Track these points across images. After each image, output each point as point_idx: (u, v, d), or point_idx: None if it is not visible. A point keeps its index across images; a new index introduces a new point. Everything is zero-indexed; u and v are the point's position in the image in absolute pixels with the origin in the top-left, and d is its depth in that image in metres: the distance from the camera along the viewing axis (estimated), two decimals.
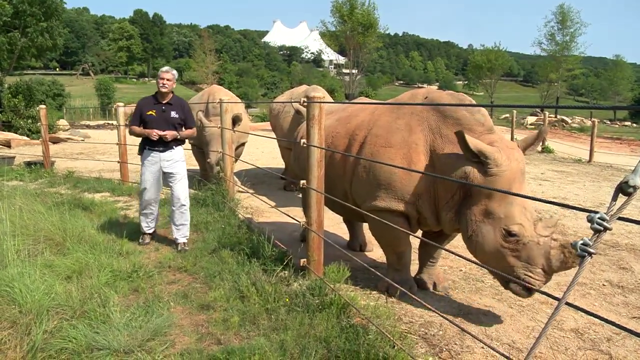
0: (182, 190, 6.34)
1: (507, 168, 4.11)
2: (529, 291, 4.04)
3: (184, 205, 6.36)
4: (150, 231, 6.59)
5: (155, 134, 6.06)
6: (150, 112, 6.18)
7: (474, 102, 4.74)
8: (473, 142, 4.11)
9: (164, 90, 6.18)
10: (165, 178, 6.33)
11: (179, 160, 6.37)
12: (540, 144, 4.46)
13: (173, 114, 6.24)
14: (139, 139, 6.36)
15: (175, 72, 6.37)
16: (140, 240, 6.43)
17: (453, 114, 4.54)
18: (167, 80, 6.18)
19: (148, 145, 6.24)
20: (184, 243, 6.33)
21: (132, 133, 6.34)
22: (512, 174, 4.12)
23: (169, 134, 6.14)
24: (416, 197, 4.61)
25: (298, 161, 5.97)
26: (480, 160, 4.14)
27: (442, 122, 4.58)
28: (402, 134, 4.73)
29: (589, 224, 1.83)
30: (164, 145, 6.22)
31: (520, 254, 4.02)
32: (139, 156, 6.41)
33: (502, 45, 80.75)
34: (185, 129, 6.41)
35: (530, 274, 3.96)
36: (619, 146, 26.52)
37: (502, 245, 4.05)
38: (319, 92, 4.94)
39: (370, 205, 4.82)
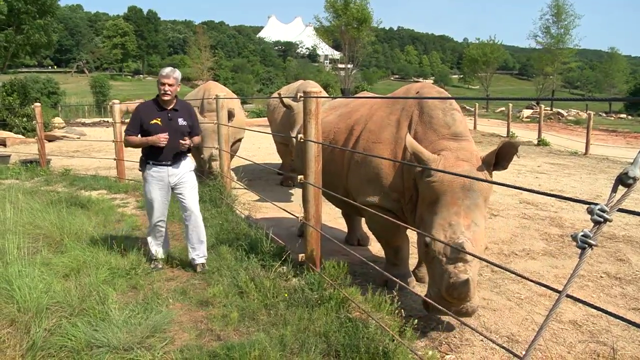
0: (193, 200, 5.44)
1: (437, 180, 3.96)
2: (425, 307, 3.99)
3: (197, 216, 5.44)
4: (163, 256, 5.60)
5: (163, 138, 5.08)
6: (154, 121, 5.18)
7: (455, 104, 4.63)
8: (411, 144, 4.06)
9: (166, 98, 5.19)
10: (173, 190, 5.43)
11: (188, 171, 5.46)
12: (510, 159, 4.12)
13: (181, 121, 5.29)
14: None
15: (178, 73, 5.32)
16: (153, 266, 5.43)
17: (430, 111, 4.50)
18: (169, 86, 5.16)
19: (153, 160, 5.27)
20: (202, 264, 5.46)
21: (130, 144, 5.31)
22: (441, 186, 3.93)
23: (188, 141, 5.27)
24: (399, 194, 4.61)
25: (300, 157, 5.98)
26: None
27: (419, 119, 4.56)
28: (391, 130, 4.74)
29: (589, 216, 1.83)
30: (173, 159, 5.29)
31: (430, 267, 3.99)
32: (140, 170, 5.47)
33: (498, 38, 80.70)
34: (192, 136, 5.45)
35: (431, 290, 3.87)
36: (614, 138, 26.56)
37: (424, 252, 4.04)
38: (315, 88, 4.93)
39: (362, 200, 4.84)
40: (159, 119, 5.21)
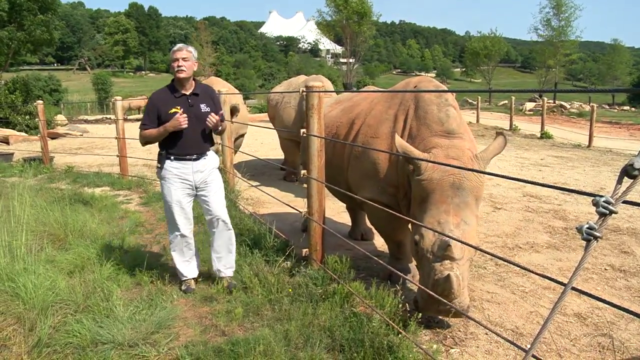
0: (219, 203, 4.70)
1: (427, 178, 3.95)
2: (414, 305, 3.95)
3: (226, 222, 4.73)
4: (195, 275, 4.86)
5: (183, 119, 4.33)
6: (174, 110, 4.41)
7: (451, 99, 4.55)
8: (400, 143, 4.03)
9: (181, 75, 4.41)
10: (197, 191, 4.68)
11: (214, 169, 4.73)
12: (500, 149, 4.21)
13: (203, 107, 4.55)
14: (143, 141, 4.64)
15: (192, 48, 4.55)
16: (184, 288, 4.70)
17: (425, 106, 4.44)
18: (184, 60, 4.40)
19: (174, 154, 4.51)
20: (230, 277, 4.80)
21: (147, 140, 4.56)
22: (430, 184, 3.93)
23: (215, 118, 4.46)
24: (395, 190, 4.60)
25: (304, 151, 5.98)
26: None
27: (415, 114, 4.52)
28: (389, 125, 4.71)
29: (594, 208, 1.82)
30: (198, 150, 4.56)
31: (419, 265, 3.99)
32: (157, 168, 4.67)
33: (499, 31, 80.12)
34: None
35: (422, 288, 3.81)
36: (618, 130, 26.48)
37: (414, 251, 4.04)
38: (318, 82, 4.92)
39: (360, 194, 4.83)
40: (179, 107, 4.44)
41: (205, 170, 4.61)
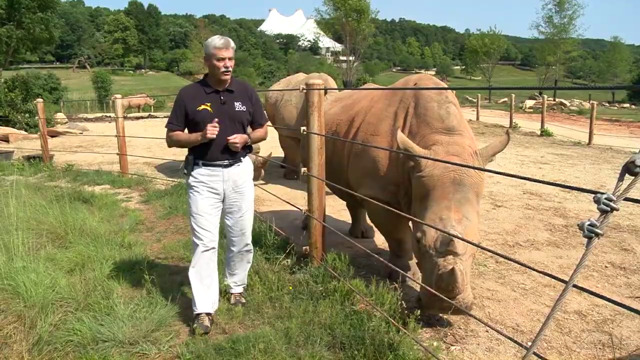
0: (247, 225, 4.22)
1: (427, 174, 3.96)
2: (418, 303, 3.93)
3: (248, 244, 4.30)
4: (213, 310, 4.03)
5: (211, 128, 3.77)
6: (203, 107, 3.88)
7: (452, 97, 4.53)
8: (402, 139, 4.03)
9: (225, 77, 3.90)
10: (225, 206, 4.13)
11: (248, 180, 4.17)
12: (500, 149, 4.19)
13: (238, 105, 3.99)
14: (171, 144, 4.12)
15: (233, 44, 3.94)
16: (197, 324, 3.84)
17: (425, 104, 4.44)
18: (230, 60, 3.86)
19: (203, 159, 3.94)
20: (239, 294, 4.39)
21: (174, 143, 4.04)
22: (431, 180, 3.94)
23: (239, 138, 3.93)
24: (396, 187, 4.60)
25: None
26: None
27: (415, 111, 4.52)
28: (389, 122, 4.71)
29: (595, 205, 1.82)
30: (231, 155, 3.98)
31: (422, 263, 3.99)
32: (185, 175, 4.09)
33: (499, 28, 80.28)
34: (254, 127, 4.21)
35: (424, 286, 3.78)
36: (618, 128, 26.44)
37: (416, 248, 4.03)
38: (318, 79, 4.91)
39: (361, 192, 4.82)
40: (209, 104, 3.91)
41: (238, 179, 4.05)
